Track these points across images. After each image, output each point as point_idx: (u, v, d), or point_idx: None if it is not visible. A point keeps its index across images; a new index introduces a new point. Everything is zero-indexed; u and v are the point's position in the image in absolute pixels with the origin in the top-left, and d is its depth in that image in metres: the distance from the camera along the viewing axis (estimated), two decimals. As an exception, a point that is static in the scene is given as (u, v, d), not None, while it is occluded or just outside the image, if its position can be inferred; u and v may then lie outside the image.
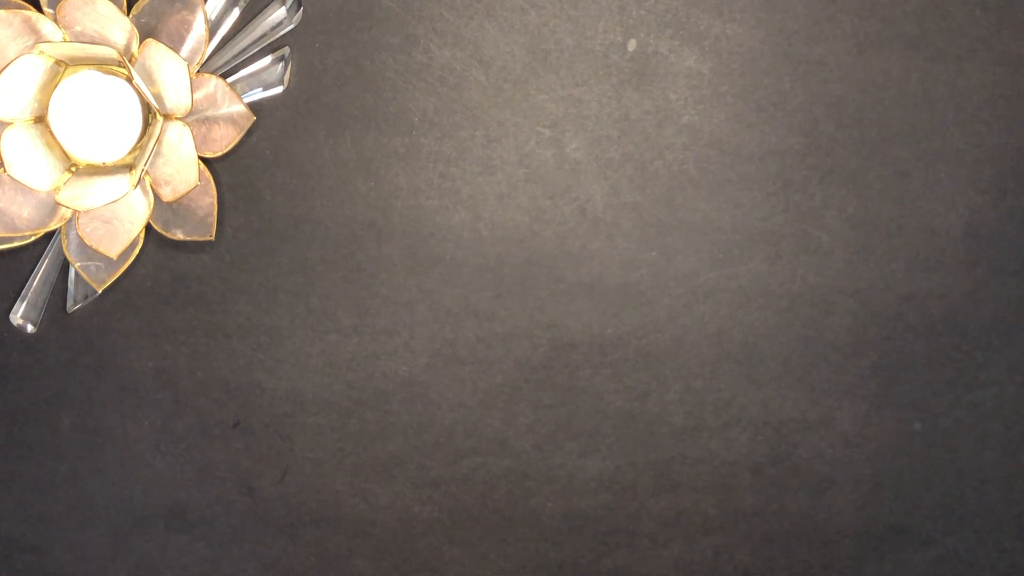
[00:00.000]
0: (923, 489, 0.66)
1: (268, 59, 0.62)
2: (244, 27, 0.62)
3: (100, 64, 0.59)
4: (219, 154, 0.61)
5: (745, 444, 0.66)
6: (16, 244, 0.62)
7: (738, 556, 0.67)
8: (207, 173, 0.62)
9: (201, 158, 0.61)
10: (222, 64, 0.62)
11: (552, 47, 0.63)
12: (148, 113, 0.60)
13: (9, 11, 0.58)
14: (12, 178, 0.60)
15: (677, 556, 0.66)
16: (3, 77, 0.59)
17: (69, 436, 0.66)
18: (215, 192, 0.62)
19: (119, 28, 0.59)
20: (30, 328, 0.64)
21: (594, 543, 0.67)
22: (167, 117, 0.60)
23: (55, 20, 0.59)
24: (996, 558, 0.66)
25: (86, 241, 0.61)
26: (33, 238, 0.62)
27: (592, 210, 0.64)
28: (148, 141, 0.60)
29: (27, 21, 0.59)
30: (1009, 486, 0.66)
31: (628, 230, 0.64)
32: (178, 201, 0.62)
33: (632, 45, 0.63)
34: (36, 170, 0.60)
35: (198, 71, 0.61)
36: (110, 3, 0.58)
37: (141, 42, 0.59)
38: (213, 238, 0.62)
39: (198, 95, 0.61)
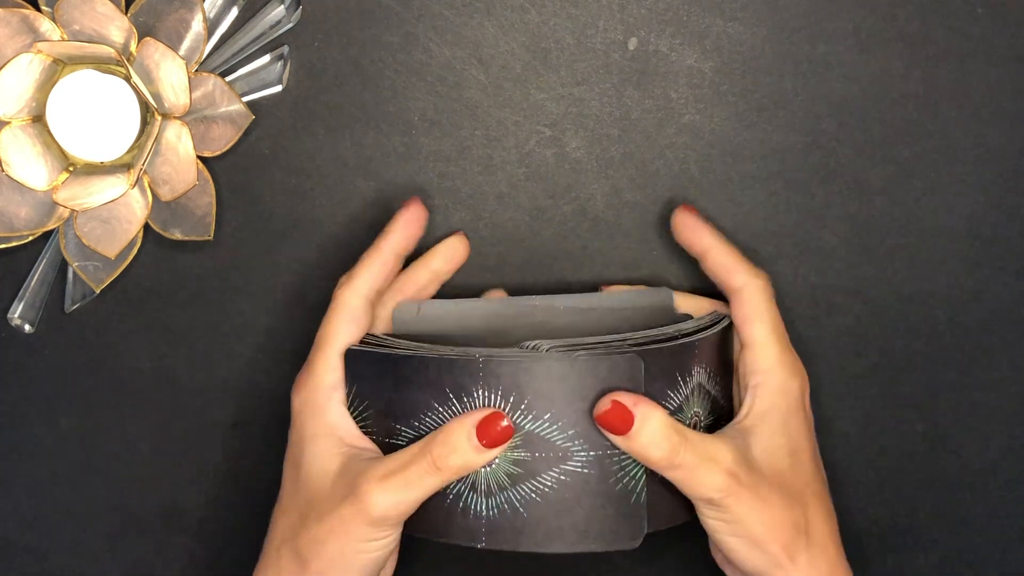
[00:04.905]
0: (925, 490, 0.65)
1: (267, 58, 0.62)
2: (243, 26, 0.62)
3: (98, 63, 0.59)
4: (218, 153, 0.61)
5: (746, 445, 0.65)
6: (14, 244, 0.61)
7: (739, 557, 0.67)
8: (205, 172, 0.61)
9: (199, 157, 0.61)
10: (220, 63, 0.62)
11: (552, 46, 0.62)
12: (146, 112, 0.60)
13: (7, 9, 0.58)
14: (10, 177, 0.60)
15: (678, 558, 0.66)
16: (1, 76, 0.58)
17: (67, 436, 0.65)
18: (213, 191, 0.62)
19: (117, 27, 0.59)
20: (28, 328, 0.64)
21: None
22: (165, 116, 0.60)
23: (53, 18, 0.59)
24: (998, 559, 0.66)
25: (84, 241, 0.61)
26: (31, 238, 0.61)
27: (593, 209, 0.64)
28: (146, 140, 0.59)
29: (25, 19, 0.59)
30: (1011, 487, 0.66)
31: (629, 230, 0.64)
32: (176, 200, 0.61)
33: (633, 43, 0.62)
34: (34, 169, 0.60)
35: (196, 70, 0.60)
36: (108, 2, 0.58)
37: (139, 41, 0.59)
38: (212, 238, 0.62)
39: (196, 94, 0.60)
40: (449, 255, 0.62)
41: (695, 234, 0.59)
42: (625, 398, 0.53)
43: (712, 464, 0.54)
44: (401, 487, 0.54)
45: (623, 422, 0.53)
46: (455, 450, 0.53)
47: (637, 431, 0.53)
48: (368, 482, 0.54)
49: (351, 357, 0.58)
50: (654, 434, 0.53)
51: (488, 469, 0.55)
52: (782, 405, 0.57)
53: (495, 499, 0.55)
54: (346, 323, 0.58)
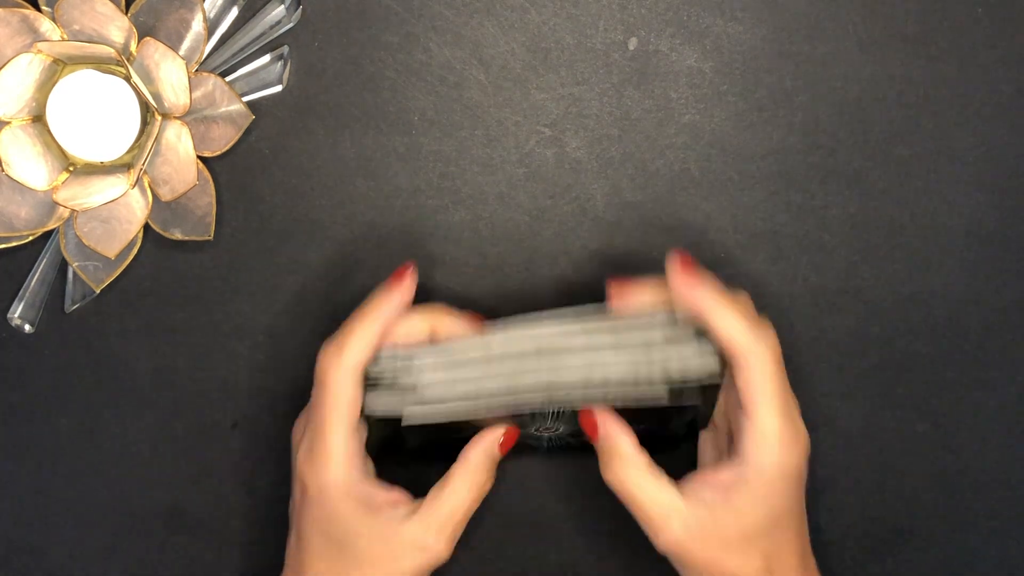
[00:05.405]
0: (925, 490, 0.65)
1: (267, 58, 0.62)
2: (243, 26, 0.62)
3: (98, 63, 0.59)
4: (218, 153, 0.61)
5: (746, 445, 0.65)
6: (14, 244, 0.61)
7: (739, 557, 0.67)
8: (205, 172, 0.61)
9: (200, 157, 0.61)
10: (221, 63, 0.62)
11: (552, 46, 0.62)
12: (146, 112, 0.60)
13: (7, 9, 0.58)
14: (10, 177, 0.60)
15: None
16: (1, 76, 0.58)
17: (67, 436, 0.65)
18: (214, 191, 0.62)
19: (117, 27, 0.59)
20: (28, 328, 0.64)
21: (595, 544, 0.66)
22: (165, 116, 0.60)
23: (53, 18, 0.59)
24: (999, 560, 0.66)
25: (84, 241, 0.61)
26: (31, 238, 0.61)
27: (593, 209, 0.64)
28: (146, 140, 0.59)
29: (25, 19, 0.59)
30: (1011, 487, 0.66)
31: (629, 230, 0.64)
32: (176, 200, 0.61)
33: (633, 43, 0.62)
34: (34, 169, 0.60)
35: (197, 70, 0.60)
36: (108, 1, 0.58)
37: (139, 41, 0.59)
38: (212, 238, 0.62)
39: (196, 94, 0.60)
40: (456, 323, 0.58)
41: (691, 293, 0.56)
42: (598, 411, 0.58)
43: (664, 519, 0.56)
44: (460, 525, 0.58)
45: (591, 428, 0.58)
46: (488, 474, 0.59)
47: (602, 441, 0.58)
48: (438, 541, 0.58)
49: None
50: (617, 452, 0.58)
51: None
52: (771, 478, 0.55)
53: None
54: (342, 406, 0.56)
